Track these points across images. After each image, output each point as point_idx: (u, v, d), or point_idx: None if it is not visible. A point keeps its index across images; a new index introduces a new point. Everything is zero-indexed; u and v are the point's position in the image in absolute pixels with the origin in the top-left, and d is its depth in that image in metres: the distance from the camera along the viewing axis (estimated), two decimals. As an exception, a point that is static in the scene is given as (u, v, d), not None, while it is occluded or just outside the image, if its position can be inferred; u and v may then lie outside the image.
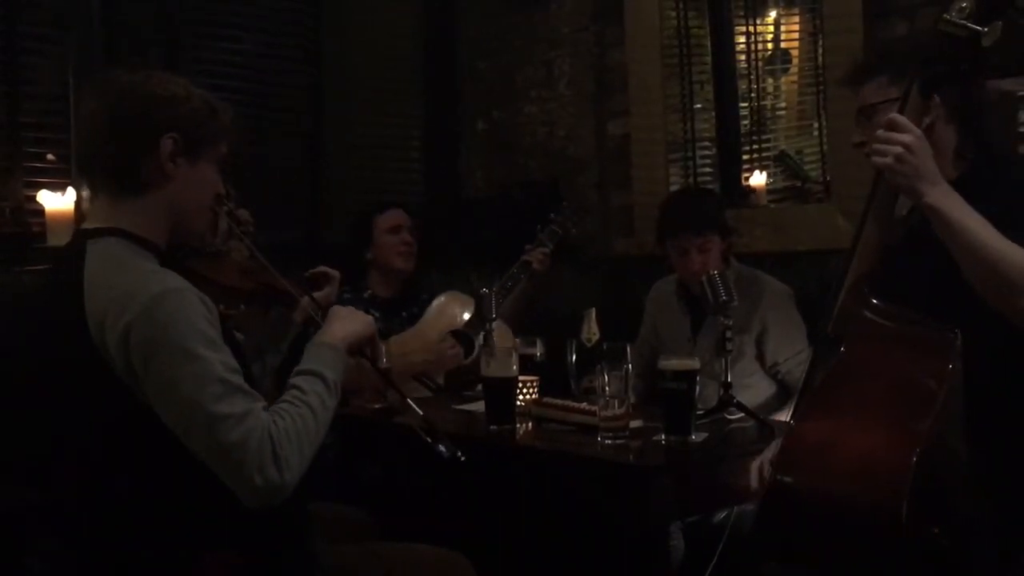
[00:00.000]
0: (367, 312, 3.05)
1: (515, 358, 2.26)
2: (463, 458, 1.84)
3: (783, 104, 3.66)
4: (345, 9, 4.07)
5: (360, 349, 1.79)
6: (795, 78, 3.56)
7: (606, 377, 2.04)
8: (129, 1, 3.45)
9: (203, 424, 1.46)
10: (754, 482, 1.84)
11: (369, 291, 3.20)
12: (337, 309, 1.83)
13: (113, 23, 3.36)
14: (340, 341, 1.73)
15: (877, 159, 1.58)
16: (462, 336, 3.04)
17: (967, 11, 1.47)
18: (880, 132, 1.59)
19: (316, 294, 2.04)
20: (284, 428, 1.51)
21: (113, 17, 3.36)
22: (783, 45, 3.63)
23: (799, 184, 3.57)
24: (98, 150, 1.61)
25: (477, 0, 4.20)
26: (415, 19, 4.30)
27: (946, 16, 1.49)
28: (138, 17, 3.49)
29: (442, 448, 1.84)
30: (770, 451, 1.87)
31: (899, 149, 1.55)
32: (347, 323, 1.78)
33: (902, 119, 1.58)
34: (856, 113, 1.88)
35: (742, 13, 3.60)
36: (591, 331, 2.47)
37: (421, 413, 1.88)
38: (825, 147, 3.31)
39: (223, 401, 1.46)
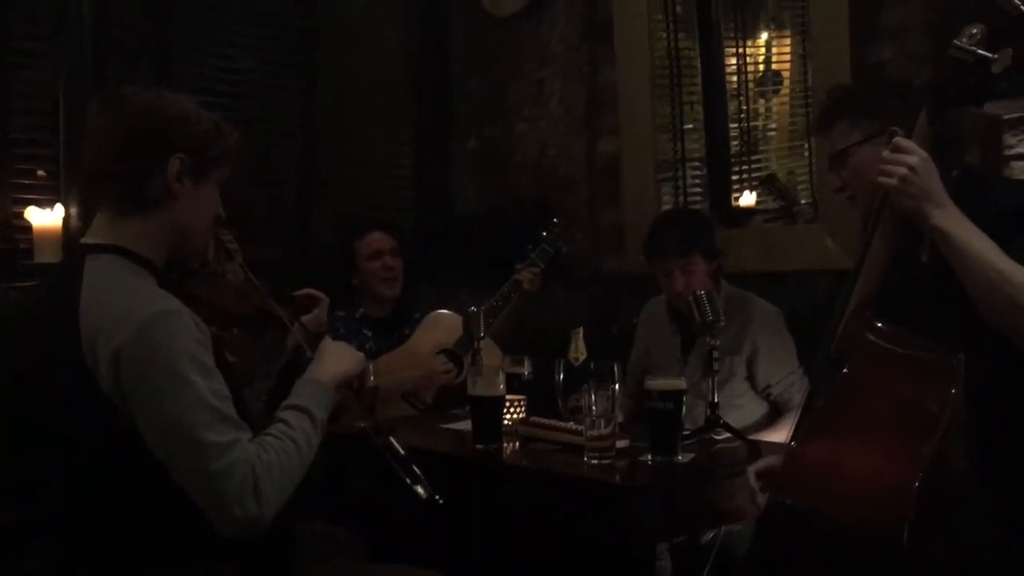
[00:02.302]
0: (360, 332, 3.10)
1: (502, 377, 2.26)
2: (441, 501, 1.84)
3: (774, 125, 3.68)
4: (337, 26, 4.09)
5: (349, 384, 1.81)
6: (786, 99, 3.57)
7: (593, 396, 2.04)
8: (120, 16, 3.46)
9: (188, 450, 1.46)
10: (752, 482, 1.83)
11: (361, 310, 3.19)
12: (329, 344, 1.84)
13: (103, 39, 3.36)
14: (330, 379, 1.74)
15: (883, 180, 1.60)
16: (451, 355, 3.04)
17: (977, 37, 1.49)
18: (886, 154, 1.61)
19: (305, 317, 2.05)
20: (268, 462, 1.51)
21: (104, 32, 3.36)
22: (774, 66, 3.65)
23: (787, 206, 3.58)
24: (106, 166, 1.62)
25: (469, 18, 4.22)
26: (407, 37, 4.32)
27: (956, 42, 1.51)
28: (129, 32, 3.49)
29: (420, 490, 1.85)
30: (760, 463, 1.87)
31: (904, 170, 1.57)
32: (339, 361, 1.80)
33: (907, 142, 1.60)
34: (829, 162, 1.90)
35: (732, 35, 3.62)
36: (578, 350, 2.47)
37: (403, 453, 1.89)
38: (815, 168, 3.32)
39: (210, 429, 1.47)
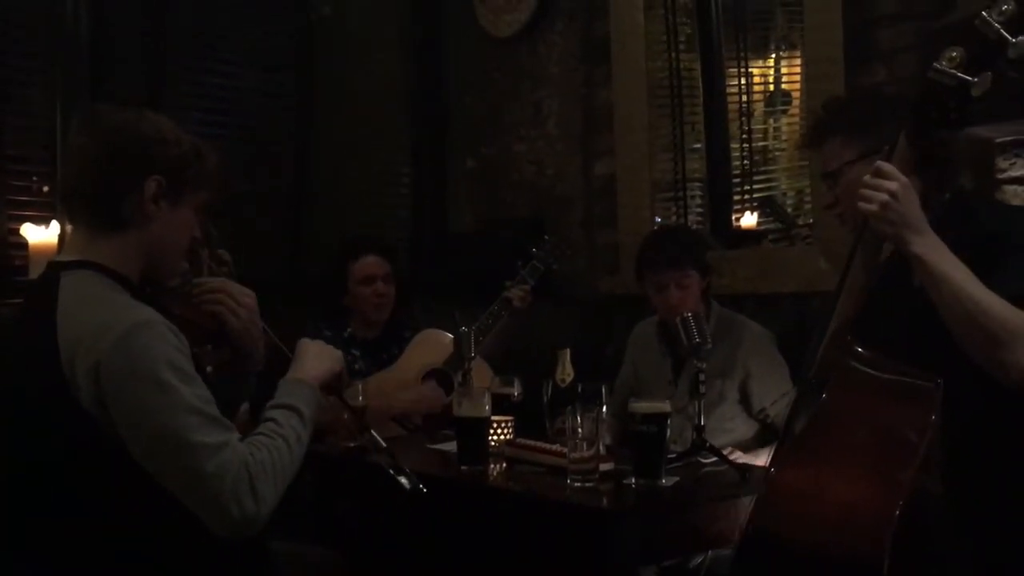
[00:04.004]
0: (348, 351, 3.09)
1: (488, 398, 2.25)
2: (425, 490, 1.87)
3: (784, 144, 3.67)
4: (334, 45, 4.11)
5: (330, 384, 1.81)
6: (796, 118, 3.56)
7: (578, 419, 2.03)
8: (116, 34, 3.48)
9: (179, 455, 1.45)
10: None
11: (349, 330, 3.18)
12: (307, 344, 1.84)
13: (100, 56, 3.38)
14: (314, 379, 1.75)
15: (863, 205, 1.58)
16: (440, 375, 3.02)
17: (957, 61, 1.49)
18: (866, 179, 1.59)
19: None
20: (260, 460, 1.51)
21: (100, 50, 3.38)
22: (784, 86, 3.66)
23: (784, 228, 3.58)
24: (83, 184, 1.62)
25: (466, 38, 4.23)
26: (405, 56, 4.34)
27: (936, 65, 1.50)
28: (125, 49, 3.51)
29: (404, 480, 1.88)
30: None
31: (885, 197, 1.55)
32: (319, 360, 1.80)
33: (889, 167, 1.58)
34: (821, 178, 1.89)
35: (735, 54, 3.62)
36: (565, 371, 2.45)
37: (385, 446, 1.92)
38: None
39: (199, 431, 1.46)
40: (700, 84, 3.68)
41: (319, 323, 3.10)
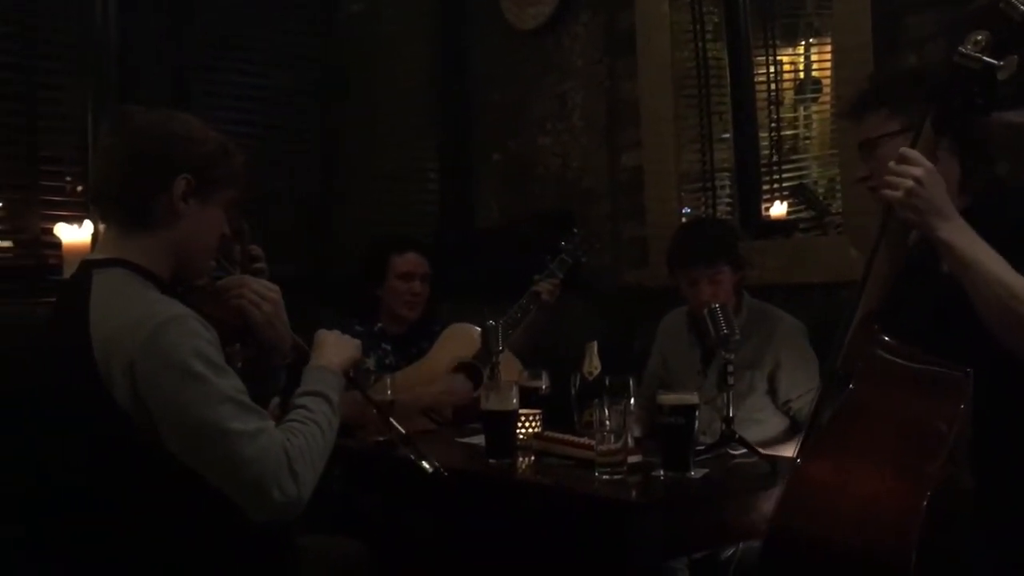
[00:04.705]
0: (378, 346, 3.11)
1: (515, 392, 2.25)
2: (446, 474, 1.91)
3: (814, 132, 3.64)
4: (360, 41, 4.12)
5: (350, 372, 1.84)
6: (827, 105, 3.53)
7: (606, 411, 2.03)
8: (144, 34, 3.51)
9: (218, 443, 1.47)
10: None
11: (380, 325, 3.19)
12: (325, 334, 1.87)
13: (129, 57, 3.42)
14: (338, 366, 1.78)
15: (888, 192, 1.57)
16: (470, 368, 3.03)
17: (982, 44, 1.46)
18: (891, 165, 1.57)
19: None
20: (297, 444, 1.54)
21: (129, 51, 3.42)
22: (814, 73, 3.62)
23: (819, 215, 3.55)
24: (113, 184, 1.64)
25: (491, 33, 4.23)
26: (430, 52, 4.34)
27: (961, 49, 1.48)
28: (153, 49, 3.54)
29: (426, 464, 1.92)
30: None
31: (910, 183, 1.53)
32: (338, 348, 1.83)
33: (914, 153, 1.56)
34: (858, 147, 1.86)
35: (762, 43, 3.59)
36: (592, 364, 2.45)
37: (403, 432, 1.97)
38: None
39: (236, 419, 1.49)
40: (727, 73, 3.65)
41: (350, 318, 3.13)
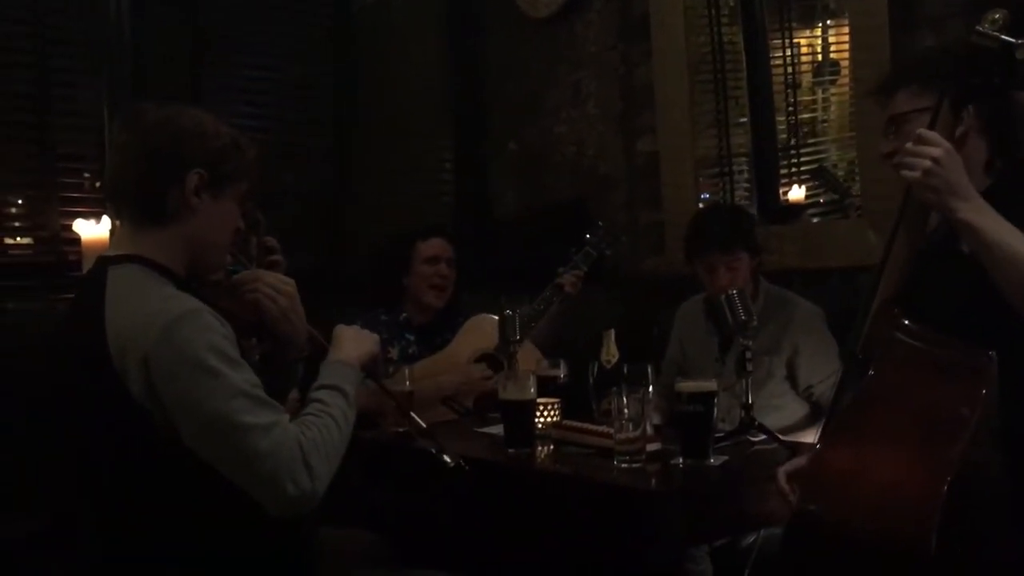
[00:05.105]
0: (402, 336, 3.11)
1: (533, 381, 2.24)
2: (467, 467, 1.90)
3: (832, 115, 3.60)
4: (373, 32, 4.11)
5: (369, 367, 1.84)
6: (845, 87, 3.49)
7: (624, 399, 2.02)
8: (158, 30, 3.51)
9: (232, 437, 1.48)
10: (783, 484, 1.79)
11: (404, 315, 3.20)
12: (343, 329, 1.86)
13: (143, 53, 3.42)
14: (355, 360, 1.78)
15: (906, 173, 1.55)
16: (492, 359, 3.02)
17: (1000, 23, 1.44)
18: (909, 146, 1.56)
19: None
20: (312, 438, 1.54)
21: (142, 47, 3.42)
22: (832, 55, 3.58)
23: (837, 198, 3.52)
24: (126, 180, 1.65)
25: (504, 22, 4.21)
26: (442, 43, 4.33)
27: (979, 28, 1.46)
28: (167, 45, 3.54)
29: (447, 458, 1.92)
30: (789, 464, 1.83)
31: (928, 163, 1.52)
32: (356, 343, 1.83)
33: (931, 133, 1.54)
34: (885, 123, 1.83)
35: (778, 25, 3.56)
36: (610, 352, 2.44)
37: (424, 426, 1.96)
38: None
39: (250, 413, 1.49)
40: (743, 57, 3.63)
41: (374, 307, 3.14)
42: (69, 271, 3.20)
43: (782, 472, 1.80)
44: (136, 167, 1.63)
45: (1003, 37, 1.43)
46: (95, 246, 3.19)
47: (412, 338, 3.15)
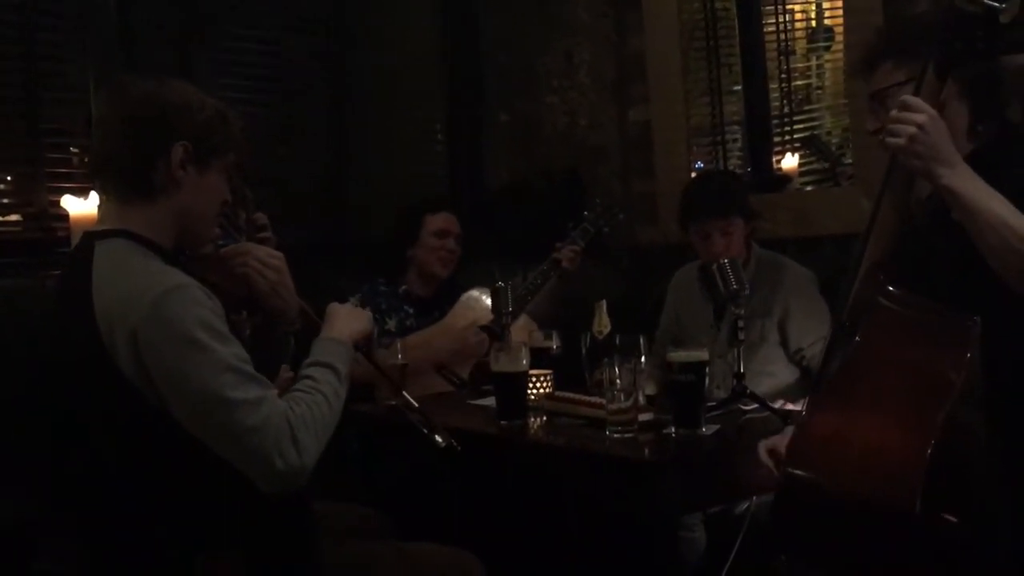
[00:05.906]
0: (401, 308, 3.11)
1: (525, 352, 2.24)
2: (459, 448, 1.89)
3: (827, 82, 3.58)
4: (367, 5, 4.07)
5: (361, 344, 1.83)
6: (840, 54, 3.47)
7: (616, 370, 2.02)
8: (148, 1, 3.47)
9: (220, 412, 1.48)
10: (764, 459, 1.80)
11: (404, 287, 3.20)
12: (337, 307, 1.85)
13: (131, 25, 3.37)
14: (347, 338, 1.77)
15: (890, 140, 1.55)
16: (489, 332, 3.02)
17: None
18: (893, 113, 1.55)
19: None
20: (300, 414, 1.54)
21: (131, 19, 3.37)
22: (827, 22, 3.56)
23: (828, 167, 3.51)
24: (111, 154, 1.63)
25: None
26: (435, 13, 4.29)
27: None
28: (156, 15, 3.49)
29: (438, 438, 1.90)
30: (781, 436, 1.83)
31: (913, 129, 1.51)
32: (349, 320, 1.82)
33: (915, 100, 1.54)
34: (869, 99, 1.83)
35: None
36: (602, 323, 2.44)
37: (417, 405, 1.95)
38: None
39: (238, 388, 1.49)
40: (736, 24, 3.60)
41: (375, 276, 3.14)
42: (58, 247, 3.18)
43: (763, 446, 1.81)
44: (120, 141, 1.61)
45: (987, 1, 1.42)
46: (83, 222, 3.16)
47: (411, 310, 3.15)
